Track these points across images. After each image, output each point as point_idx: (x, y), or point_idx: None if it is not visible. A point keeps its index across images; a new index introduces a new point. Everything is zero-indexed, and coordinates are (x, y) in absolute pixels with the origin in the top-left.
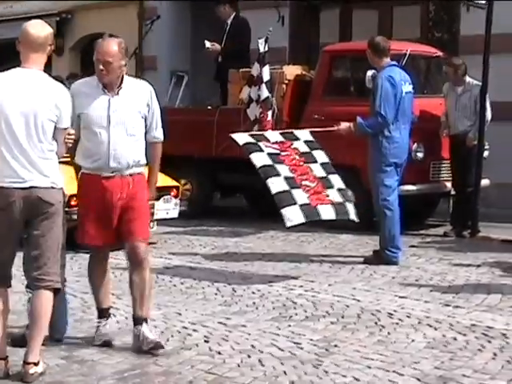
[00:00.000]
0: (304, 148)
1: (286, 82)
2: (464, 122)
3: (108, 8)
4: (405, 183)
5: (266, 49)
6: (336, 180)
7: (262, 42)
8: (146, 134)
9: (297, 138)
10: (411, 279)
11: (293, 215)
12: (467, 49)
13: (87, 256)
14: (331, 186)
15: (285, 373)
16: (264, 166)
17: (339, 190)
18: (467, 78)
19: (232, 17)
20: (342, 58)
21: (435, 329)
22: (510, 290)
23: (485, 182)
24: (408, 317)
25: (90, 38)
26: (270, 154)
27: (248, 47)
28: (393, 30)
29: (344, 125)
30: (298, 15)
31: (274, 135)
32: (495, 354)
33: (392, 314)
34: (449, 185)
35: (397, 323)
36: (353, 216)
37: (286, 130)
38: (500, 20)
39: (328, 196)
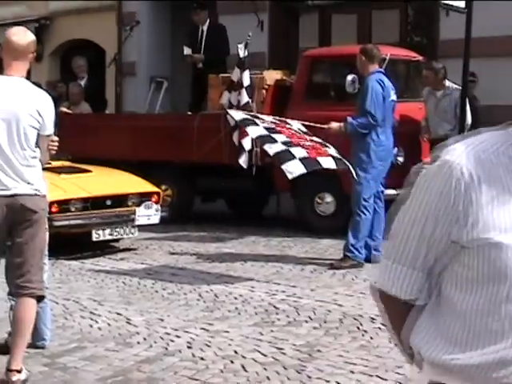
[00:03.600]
0: (299, 129)
1: (266, 86)
2: (444, 126)
3: (87, 13)
4: (386, 187)
5: (246, 54)
6: (332, 148)
7: (241, 46)
8: None
9: (290, 123)
10: None
11: (293, 168)
12: (446, 53)
13: (68, 263)
14: (329, 148)
15: (268, 378)
16: (260, 135)
17: (337, 152)
18: (447, 82)
19: (207, 23)
20: (322, 63)
21: None
22: None
23: None
24: None
25: (70, 43)
26: (266, 128)
27: (228, 54)
28: (372, 34)
29: (335, 124)
30: (278, 20)
31: (269, 118)
32: None
33: (374, 319)
34: None
35: (379, 328)
36: (353, 170)
37: (278, 118)
38: (479, 23)
39: (327, 150)
